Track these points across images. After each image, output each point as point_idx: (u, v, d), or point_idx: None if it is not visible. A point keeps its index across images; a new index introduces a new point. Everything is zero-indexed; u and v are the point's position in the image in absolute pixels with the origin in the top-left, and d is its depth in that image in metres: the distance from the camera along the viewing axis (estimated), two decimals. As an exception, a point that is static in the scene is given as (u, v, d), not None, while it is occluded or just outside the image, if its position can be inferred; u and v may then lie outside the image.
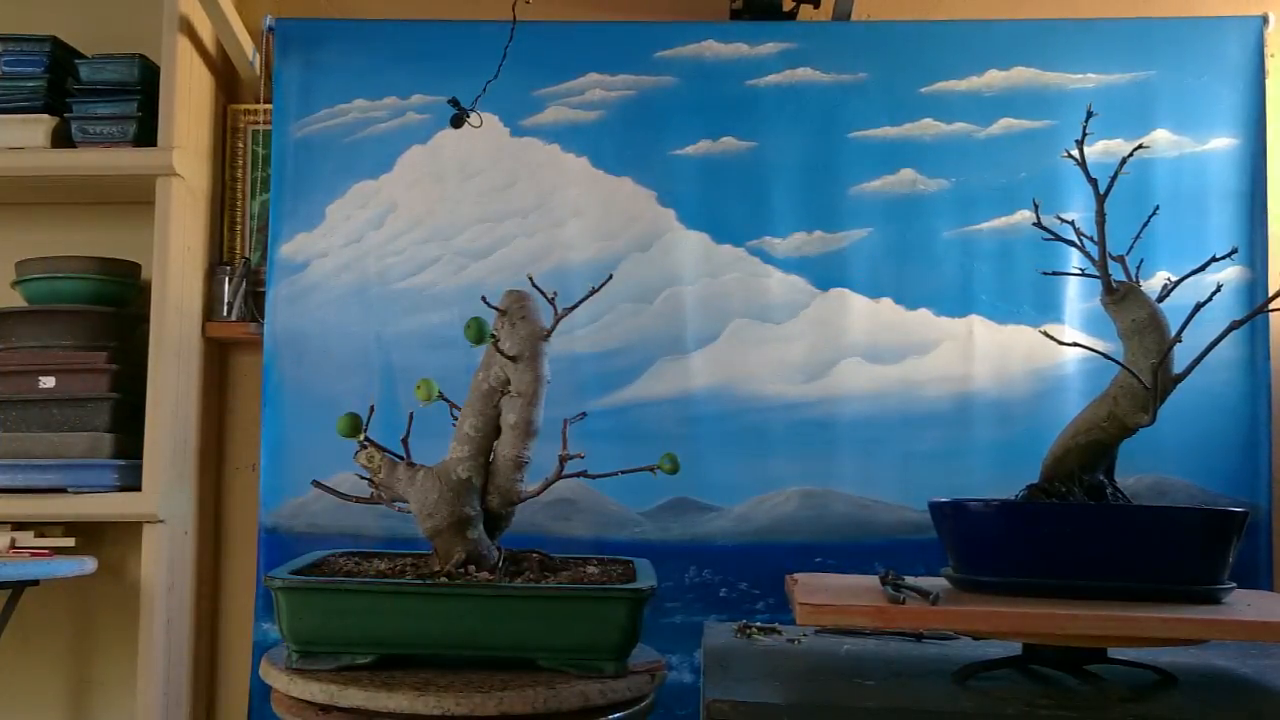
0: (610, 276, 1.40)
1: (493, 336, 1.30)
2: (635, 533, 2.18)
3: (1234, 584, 1.32)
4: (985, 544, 1.32)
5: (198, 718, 2.20)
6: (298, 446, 2.23)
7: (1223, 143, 2.18)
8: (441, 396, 1.34)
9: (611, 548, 2.12)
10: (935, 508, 1.41)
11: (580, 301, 1.39)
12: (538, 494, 1.37)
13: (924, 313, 2.18)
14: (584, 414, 1.49)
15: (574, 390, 2.20)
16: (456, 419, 1.42)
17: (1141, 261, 1.44)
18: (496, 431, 1.37)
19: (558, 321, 1.36)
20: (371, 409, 1.38)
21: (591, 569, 1.43)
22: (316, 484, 1.44)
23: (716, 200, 2.23)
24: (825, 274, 2.20)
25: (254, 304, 2.28)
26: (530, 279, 1.39)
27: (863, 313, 2.19)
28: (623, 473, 1.37)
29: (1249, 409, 2.13)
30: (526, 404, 1.33)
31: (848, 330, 2.18)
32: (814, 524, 2.17)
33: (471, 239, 2.28)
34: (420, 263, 2.26)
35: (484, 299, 1.40)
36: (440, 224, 2.28)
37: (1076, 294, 2.15)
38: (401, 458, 1.37)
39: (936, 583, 1.43)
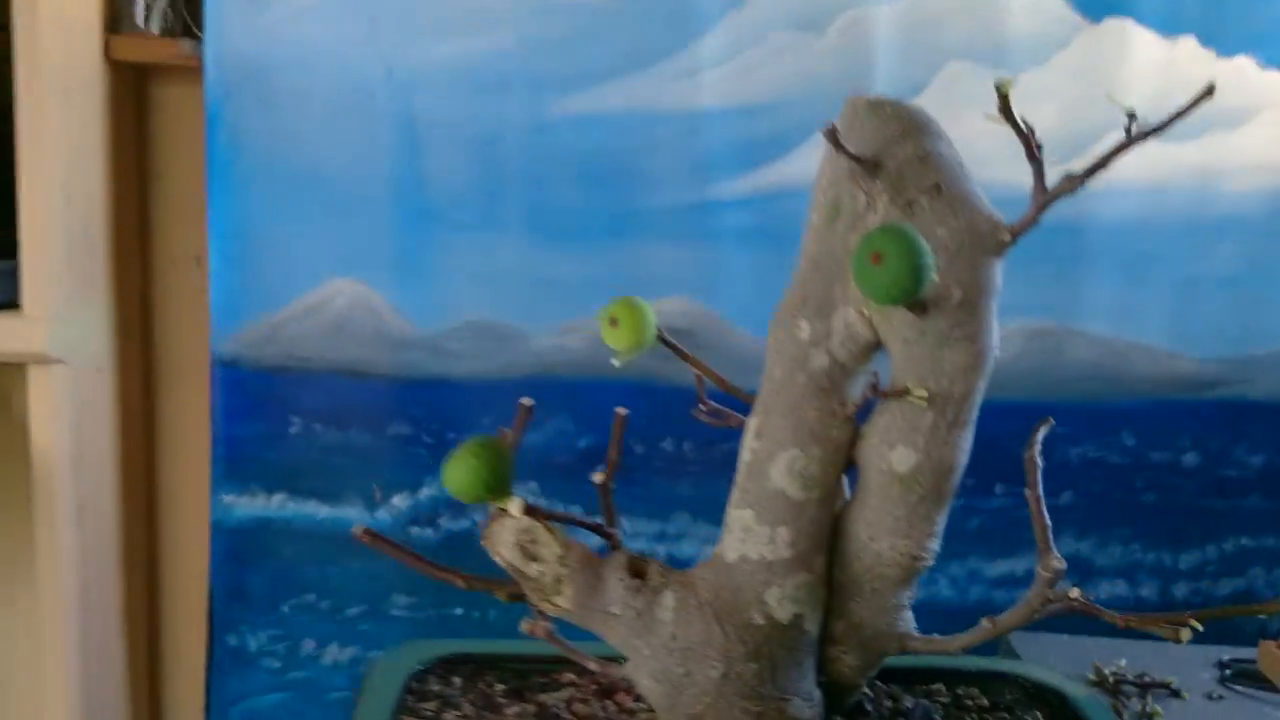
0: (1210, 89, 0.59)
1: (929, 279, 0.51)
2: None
3: None
4: None
5: (135, 638, 1.52)
6: (266, 234, 1.45)
7: None
8: (664, 339, 0.59)
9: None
10: None
11: (1116, 153, 0.59)
12: (959, 649, 0.61)
13: (1243, 62, 1.41)
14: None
15: (690, 167, 1.44)
16: (711, 414, 0.65)
17: None
18: (841, 474, 0.61)
19: (1045, 205, 0.58)
20: (523, 412, 0.58)
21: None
22: (369, 534, 0.64)
23: None
24: (1100, -6, 1.40)
25: (186, 10, 1.44)
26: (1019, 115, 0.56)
27: (1151, 59, 1.40)
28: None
29: None
30: (948, 425, 0.58)
31: (1125, 85, 1.41)
32: (1041, 376, 1.48)
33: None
34: (457, -51, 1.41)
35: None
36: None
37: None
38: (616, 544, 0.61)
39: None
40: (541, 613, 0.61)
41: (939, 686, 0.76)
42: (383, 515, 1.50)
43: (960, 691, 0.76)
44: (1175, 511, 1.49)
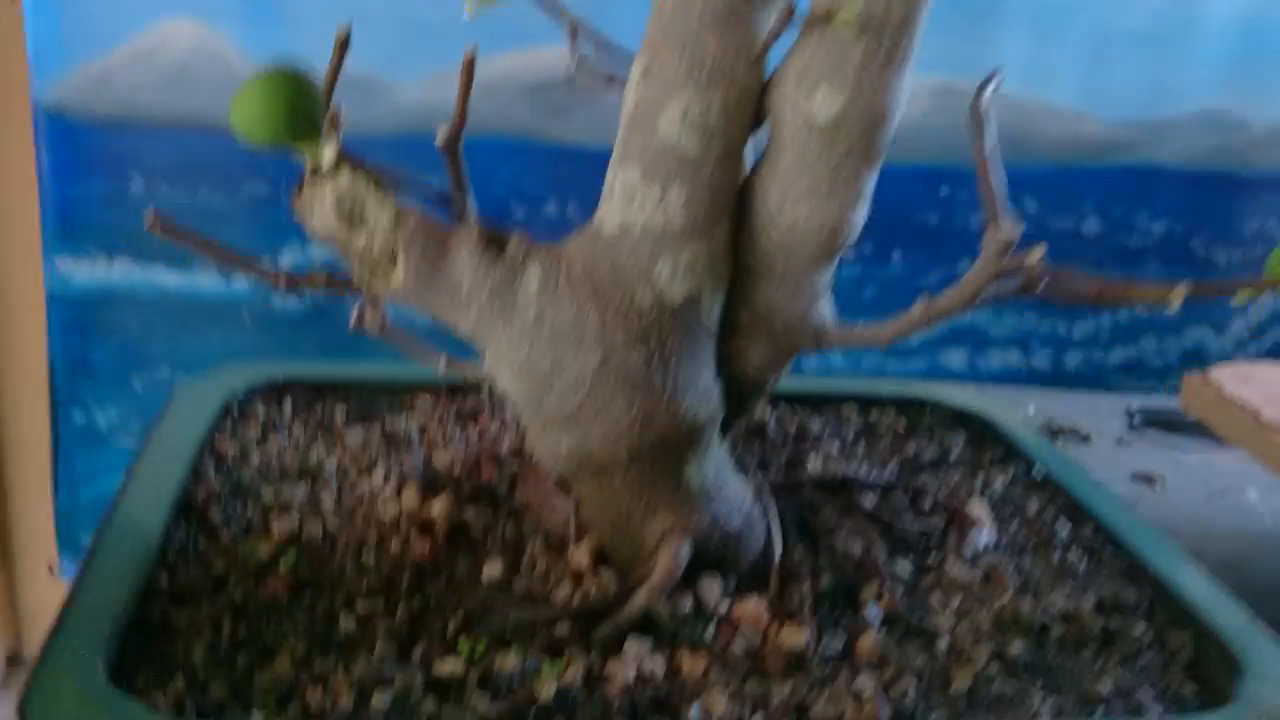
0: None
1: None
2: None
3: None
4: None
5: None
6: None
7: None
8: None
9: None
10: None
11: None
12: (888, 340, 0.52)
13: None
14: None
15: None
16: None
17: None
18: (748, 128, 0.51)
19: None
20: (339, 45, 0.48)
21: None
22: (158, 222, 0.53)
23: None
24: None
25: None
26: None
27: None
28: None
29: None
30: (882, 60, 0.49)
31: None
32: (946, 137, 1.39)
33: None
34: None
35: None
36: None
37: None
38: (453, 209, 0.51)
39: None
40: (374, 301, 0.51)
41: (849, 410, 0.69)
42: (240, 283, 1.38)
43: (873, 415, 0.69)
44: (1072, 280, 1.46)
